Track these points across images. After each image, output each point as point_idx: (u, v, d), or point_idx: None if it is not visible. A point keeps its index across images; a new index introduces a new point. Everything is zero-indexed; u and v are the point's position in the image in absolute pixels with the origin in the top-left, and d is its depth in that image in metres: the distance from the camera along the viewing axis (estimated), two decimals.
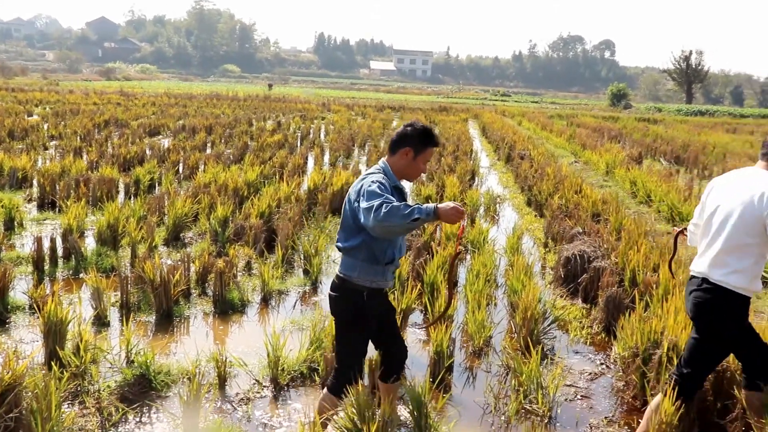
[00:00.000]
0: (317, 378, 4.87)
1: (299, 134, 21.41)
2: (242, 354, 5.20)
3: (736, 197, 3.85)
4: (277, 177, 12.03)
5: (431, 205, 3.39)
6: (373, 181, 3.61)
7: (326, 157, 16.70)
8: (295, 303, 6.66)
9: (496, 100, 69.25)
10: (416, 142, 3.78)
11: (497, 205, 11.47)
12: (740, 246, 3.80)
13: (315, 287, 7.09)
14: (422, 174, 3.95)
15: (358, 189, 3.66)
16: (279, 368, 4.84)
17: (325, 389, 3.97)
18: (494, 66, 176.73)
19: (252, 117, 26.76)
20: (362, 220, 3.52)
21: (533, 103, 67.82)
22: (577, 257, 7.23)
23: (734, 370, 4.32)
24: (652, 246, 7.32)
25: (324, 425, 3.86)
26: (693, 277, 4.01)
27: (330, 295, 3.95)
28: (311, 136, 21.30)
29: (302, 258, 7.52)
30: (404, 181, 3.91)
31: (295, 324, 6.00)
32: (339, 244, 3.85)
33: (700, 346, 3.93)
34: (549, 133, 25.75)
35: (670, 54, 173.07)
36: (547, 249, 8.84)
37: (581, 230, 8.39)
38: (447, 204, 3.42)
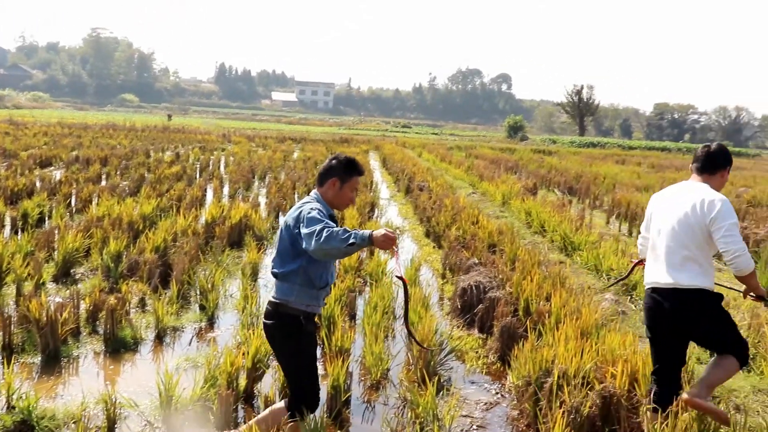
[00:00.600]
0: (211, 417, 4.76)
1: (198, 166, 21.07)
2: (134, 394, 5.04)
3: (679, 209, 4.38)
4: (174, 210, 11.79)
5: (366, 231, 3.54)
6: (312, 208, 3.81)
7: (226, 189, 16.50)
8: (191, 339, 6.52)
9: (397, 132, 70.09)
10: (341, 173, 4.03)
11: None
12: (693, 252, 4.31)
13: (211, 323, 6.96)
14: (351, 202, 4.17)
15: (296, 216, 3.85)
16: (172, 408, 4.72)
17: (283, 407, 4.07)
18: (395, 98, 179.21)
19: (150, 148, 26.21)
20: (304, 244, 3.68)
21: (433, 135, 68.98)
22: (473, 288, 7.36)
23: (620, 395, 4.48)
24: (545, 276, 7.52)
25: None
26: (657, 288, 4.41)
27: (266, 324, 4.05)
28: (210, 167, 20.99)
29: (198, 293, 7.38)
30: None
31: (189, 361, 5.87)
32: (275, 270, 3.98)
33: (669, 349, 4.39)
34: (448, 165, 26.21)
35: (563, 88, 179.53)
36: (445, 280, 8.97)
37: (477, 261, 8.55)
38: (380, 231, 3.56)
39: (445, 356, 6.10)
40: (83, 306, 6.61)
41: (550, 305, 6.43)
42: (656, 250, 4.49)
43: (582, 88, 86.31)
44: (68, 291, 7.24)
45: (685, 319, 4.33)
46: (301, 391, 4.02)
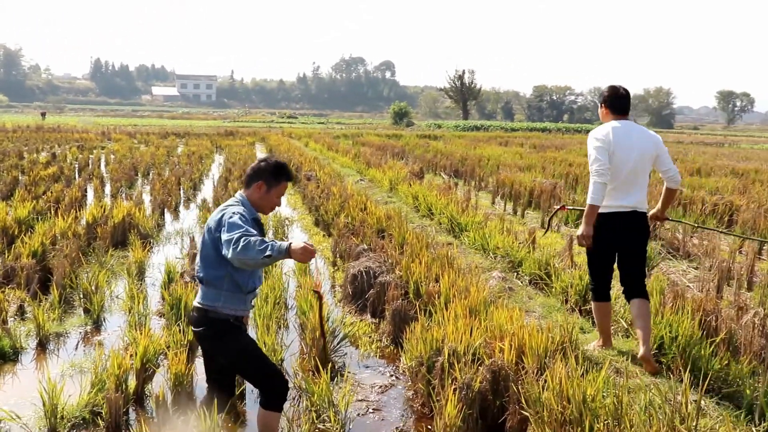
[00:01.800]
0: (101, 422, 4.62)
1: (77, 165, 20.29)
2: (15, 406, 4.82)
3: (641, 147, 5.50)
4: (52, 212, 11.31)
5: (285, 243, 3.44)
6: (234, 213, 3.69)
7: (107, 188, 15.98)
8: (77, 345, 6.29)
9: (283, 123, 69.65)
10: (269, 177, 3.91)
11: (285, 227, 11.51)
12: (646, 181, 5.67)
13: (97, 326, 6.73)
14: (277, 207, 4.08)
15: (218, 219, 3.73)
16: (57, 417, 4.54)
17: (261, 409, 3.95)
18: (280, 88, 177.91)
19: (23, 149, 25.04)
20: (223, 251, 3.55)
21: (319, 124, 68.93)
22: (364, 273, 7.42)
23: (508, 368, 4.62)
24: (434, 258, 7.65)
25: None
26: (622, 212, 5.51)
27: (195, 332, 3.92)
28: (90, 167, 20.24)
29: (82, 296, 7.12)
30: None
31: (75, 367, 5.65)
32: (200, 275, 3.84)
33: (612, 261, 5.75)
34: (335, 153, 26.24)
35: (446, 73, 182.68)
36: (336, 267, 9.00)
37: (367, 247, 8.61)
38: (299, 243, 3.47)
39: (338, 343, 6.12)
40: None
41: (439, 286, 6.54)
42: (624, 182, 5.48)
43: (464, 73, 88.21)
44: None
45: (640, 233, 5.62)
46: (266, 384, 3.95)
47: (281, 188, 4.01)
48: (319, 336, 4.09)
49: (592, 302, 5.98)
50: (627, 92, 5.70)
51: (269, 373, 3.96)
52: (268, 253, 3.40)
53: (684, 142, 50.48)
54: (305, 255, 3.50)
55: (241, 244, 3.44)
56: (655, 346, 5.75)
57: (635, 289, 5.63)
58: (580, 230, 5.53)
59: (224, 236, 3.57)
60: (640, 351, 5.36)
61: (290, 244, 3.47)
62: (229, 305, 3.85)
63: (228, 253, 3.51)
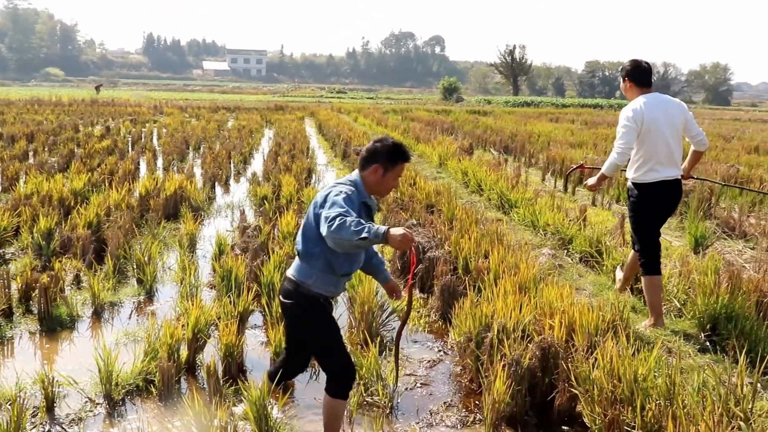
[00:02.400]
0: (154, 390, 4.71)
1: (130, 139, 20.62)
2: (73, 372, 4.94)
3: (672, 120, 5.78)
4: (106, 184, 11.53)
5: (382, 227, 3.26)
6: (340, 191, 3.55)
7: (159, 162, 16.19)
8: (130, 314, 6.41)
9: (332, 98, 69.74)
10: (385, 160, 3.72)
11: None
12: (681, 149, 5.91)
13: (150, 296, 6.85)
14: (393, 189, 3.88)
15: (325, 195, 3.59)
16: (112, 383, 4.64)
17: (327, 396, 3.88)
18: (329, 63, 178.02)
19: (78, 122, 25.51)
20: (320, 227, 3.43)
21: (368, 99, 68.84)
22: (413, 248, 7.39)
23: (558, 345, 4.58)
24: (483, 233, 7.60)
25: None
26: (670, 180, 5.80)
27: (283, 303, 3.87)
28: (143, 140, 20.56)
29: (135, 267, 7.24)
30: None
31: (129, 336, 5.78)
32: (298, 248, 3.78)
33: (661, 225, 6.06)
34: (384, 128, 26.19)
35: (497, 48, 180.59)
36: None
37: (416, 222, 8.60)
38: (398, 229, 3.27)
39: (387, 317, 6.14)
40: (14, 286, 6.43)
41: (489, 262, 6.51)
42: (666, 153, 5.75)
43: (515, 48, 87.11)
44: None
45: (679, 198, 6.05)
46: (337, 370, 3.86)
47: (398, 170, 3.80)
48: (401, 324, 4.01)
49: (642, 277, 5.97)
50: (649, 65, 5.99)
51: (342, 360, 3.87)
52: (363, 235, 3.20)
53: (741, 119, 49.15)
54: (404, 242, 3.26)
55: (337, 222, 3.27)
56: (709, 326, 5.65)
57: None
58: (590, 181, 6.39)
59: (323, 212, 3.43)
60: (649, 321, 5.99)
61: (388, 228, 3.27)
62: (320, 285, 3.75)
63: (323, 230, 3.37)
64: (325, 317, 3.85)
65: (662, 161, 5.74)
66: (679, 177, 5.86)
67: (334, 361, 3.87)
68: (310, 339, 3.91)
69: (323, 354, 3.91)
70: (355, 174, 3.81)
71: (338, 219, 3.28)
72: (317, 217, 3.58)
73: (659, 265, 5.88)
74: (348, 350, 4.03)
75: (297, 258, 3.86)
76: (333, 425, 3.89)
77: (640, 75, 5.92)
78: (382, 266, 4.22)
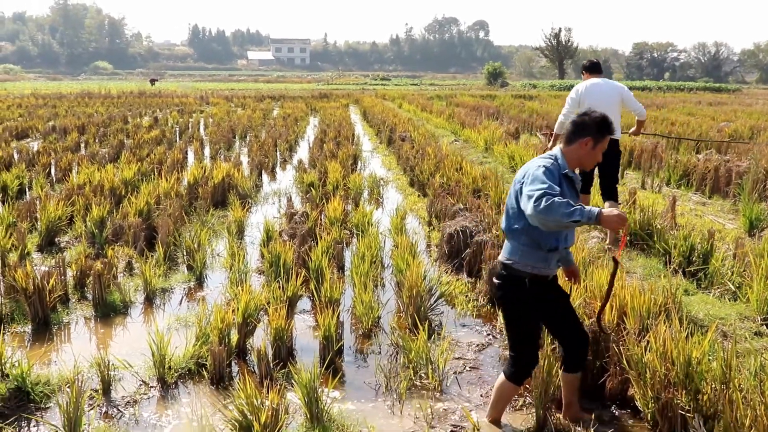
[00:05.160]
0: (205, 373, 4.79)
1: (177, 129, 20.89)
2: (127, 356, 5.04)
3: (611, 94, 7.93)
4: (155, 174, 11.70)
5: (595, 209, 3.31)
6: (539, 166, 3.62)
7: (206, 151, 16.36)
8: (181, 300, 6.51)
9: (376, 85, 69.67)
10: (595, 132, 3.79)
11: (381, 188, 11.56)
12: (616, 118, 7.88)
13: (200, 282, 6.94)
14: (598, 162, 3.95)
15: (525, 171, 3.67)
16: (165, 367, 4.73)
17: (502, 376, 4.03)
18: (372, 51, 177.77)
19: (127, 114, 25.90)
20: (522, 204, 3.50)
21: (413, 86, 68.60)
22: (460, 233, 7.38)
23: (609, 329, 4.51)
24: None
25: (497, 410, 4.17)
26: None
27: (492, 283, 3.99)
28: (190, 130, 20.81)
29: (185, 254, 7.35)
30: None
31: (180, 321, 5.87)
32: (503, 226, 3.87)
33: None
34: (429, 114, 26.09)
35: (541, 32, 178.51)
36: (431, 227, 8.98)
37: (463, 207, 8.56)
38: (611, 210, 3.33)
39: (435, 301, 6.13)
40: (70, 273, 6.58)
41: None
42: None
43: (560, 31, 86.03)
44: (54, 259, 7.19)
45: (613, 152, 7.72)
46: (516, 356, 3.96)
47: (605, 143, 3.86)
48: (601, 305, 4.04)
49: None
50: (598, 60, 8.60)
51: (528, 346, 3.95)
52: (576, 218, 3.25)
53: None
54: (619, 222, 3.33)
55: (544, 203, 3.29)
56: (766, 310, 5.53)
57: (607, 192, 8.04)
58: (549, 143, 9.10)
59: (525, 189, 3.49)
60: (607, 241, 7.91)
61: (601, 210, 3.30)
62: (527, 261, 3.76)
63: (526, 208, 3.40)
64: (525, 301, 3.85)
65: None
66: (616, 137, 7.81)
67: (517, 348, 3.97)
68: (506, 318, 3.99)
69: (511, 337, 4.01)
70: (556, 149, 3.86)
71: (545, 199, 3.31)
72: (518, 193, 3.66)
73: (589, 188, 8.24)
74: (538, 339, 4.10)
75: (505, 239, 3.92)
76: (501, 402, 4.13)
77: (591, 67, 8.36)
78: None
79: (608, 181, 8.02)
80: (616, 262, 3.78)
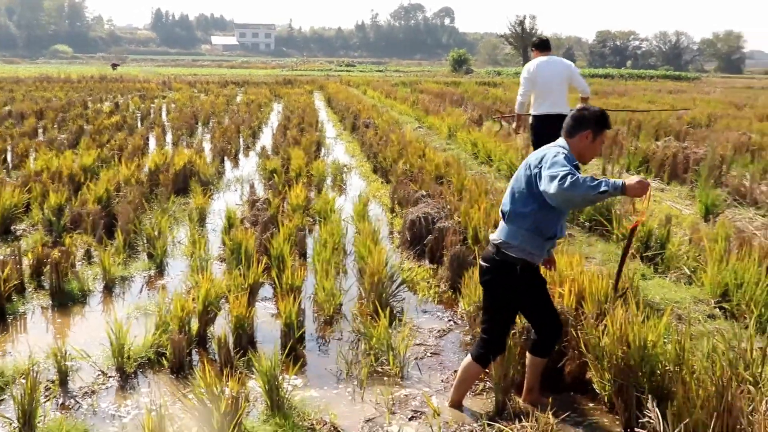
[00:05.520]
0: (165, 362, 4.75)
1: (139, 114, 20.62)
2: (85, 345, 4.97)
3: (559, 70, 8.39)
4: (116, 160, 11.54)
5: (620, 180, 3.45)
6: (558, 152, 3.70)
7: (168, 137, 16.18)
8: (141, 288, 6.45)
9: (341, 71, 69.49)
10: (594, 125, 3.88)
11: (344, 174, 11.54)
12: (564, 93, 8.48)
13: (160, 270, 6.88)
14: (597, 154, 4.07)
15: (540, 156, 3.76)
16: (124, 356, 4.67)
17: (469, 357, 4.07)
18: (338, 37, 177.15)
19: (87, 99, 25.48)
20: (542, 186, 3.58)
21: (378, 72, 68.54)
22: (422, 219, 7.40)
23: (568, 313, 4.57)
24: (492, 204, 7.57)
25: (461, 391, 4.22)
26: (553, 114, 8.06)
27: (481, 266, 3.99)
28: (152, 115, 20.57)
29: (145, 241, 7.27)
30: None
31: (140, 309, 5.81)
32: (504, 209, 3.87)
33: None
34: (393, 101, 26.09)
35: (506, 19, 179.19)
36: (394, 214, 8.99)
37: (425, 193, 8.58)
38: (632, 178, 3.49)
39: (396, 288, 6.14)
40: (26, 262, 6.46)
41: None
42: (550, 95, 8.32)
43: (525, 18, 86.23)
44: (9, 248, 7.05)
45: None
46: (489, 338, 4.00)
47: (604, 136, 3.96)
48: (615, 274, 4.14)
49: None
50: (547, 38, 8.88)
51: (504, 331, 4.05)
52: (603, 189, 3.40)
53: (754, 87, 48.57)
54: (642, 188, 3.49)
55: (569, 180, 3.42)
56: (719, 293, 5.63)
57: None
58: (514, 125, 9.61)
59: (546, 171, 3.55)
60: None
61: (624, 181, 3.46)
62: (525, 246, 3.81)
63: (550, 188, 3.48)
64: (514, 287, 3.93)
65: (548, 101, 8.31)
66: (563, 112, 7.39)
67: (492, 331, 4.01)
68: (489, 299, 4.04)
69: (489, 319, 4.04)
70: (561, 140, 3.93)
71: (570, 177, 3.42)
72: (531, 177, 3.75)
73: None
74: (510, 329, 4.19)
75: (501, 221, 3.94)
76: (466, 382, 4.15)
77: (540, 44, 8.63)
78: None
79: None
80: (634, 230, 3.90)
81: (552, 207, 3.70)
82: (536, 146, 8.03)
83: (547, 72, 8.30)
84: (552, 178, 3.50)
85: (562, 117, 7.46)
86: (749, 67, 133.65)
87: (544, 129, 8.12)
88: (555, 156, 3.66)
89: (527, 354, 4.15)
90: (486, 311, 4.10)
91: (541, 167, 3.67)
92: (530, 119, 8.65)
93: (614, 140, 13.32)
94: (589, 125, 3.89)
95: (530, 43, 8.36)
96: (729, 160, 11.43)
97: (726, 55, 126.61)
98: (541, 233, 3.83)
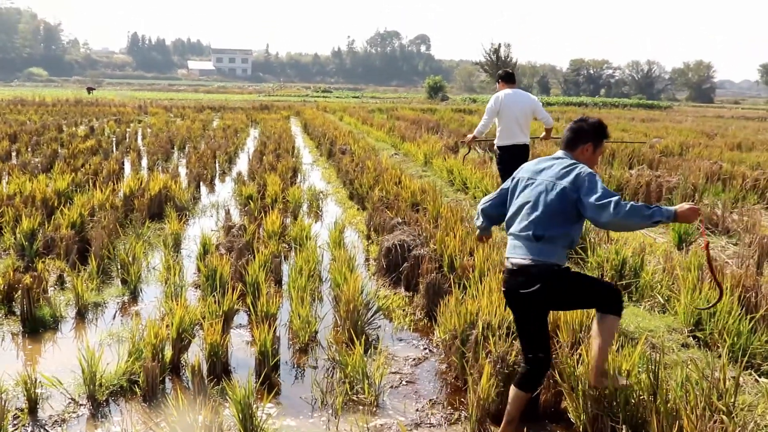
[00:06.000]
0: (138, 390, 4.69)
1: (114, 139, 20.52)
2: (56, 373, 4.90)
3: (523, 105, 8.88)
4: (90, 185, 11.46)
5: (672, 208, 3.55)
6: (588, 172, 3.74)
7: (144, 162, 16.09)
8: (114, 314, 6.38)
9: (318, 97, 69.67)
10: (593, 137, 3.95)
11: (320, 201, 11.54)
12: (527, 126, 9.03)
13: (134, 296, 6.81)
14: (595, 165, 4.07)
15: (572, 180, 3.75)
16: (96, 384, 4.61)
17: (608, 316, 3.92)
18: (314, 63, 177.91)
19: (62, 123, 25.34)
20: (588, 213, 3.62)
21: (354, 98, 68.76)
22: (398, 247, 7.40)
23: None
24: (468, 231, 7.61)
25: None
26: (512, 144, 8.93)
27: (524, 293, 3.85)
28: (127, 140, 20.45)
29: (119, 267, 7.20)
30: None
31: (113, 336, 5.74)
32: (538, 233, 3.80)
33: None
34: (370, 127, 26.18)
35: (482, 47, 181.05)
36: (370, 241, 9.00)
37: (401, 220, 8.60)
38: (683, 205, 3.55)
39: (372, 315, 6.12)
40: None
41: (474, 260, 6.52)
42: (513, 128, 8.87)
43: (500, 46, 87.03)
44: None
45: (523, 157, 8.75)
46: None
47: (603, 148, 4.03)
48: (716, 287, 4.22)
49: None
50: (512, 71, 9.48)
51: (605, 284, 4.09)
52: (657, 218, 3.49)
53: (724, 116, 49.39)
54: (694, 214, 3.55)
55: (624, 210, 3.47)
56: (692, 322, 5.68)
57: None
58: (468, 137, 9.83)
59: (597, 201, 3.59)
60: None
61: (676, 209, 3.54)
62: (559, 260, 3.85)
63: (602, 216, 3.54)
64: (571, 275, 3.97)
65: (513, 132, 8.86)
66: (525, 143, 8.96)
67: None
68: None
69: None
70: (562, 153, 3.99)
71: (622, 205, 3.50)
72: (569, 201, 3.74)
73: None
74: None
75: (527, 242, 3.87)
76: (609, 341, 3.95)
77: (506, 77, 9.11)
78: None
79: None
80: (707, 248, 3.90)
81: (580, 224, 3.84)
82: (503, 174, 9.05)
83: (513, 104, 8.80)
84: (602, 207, 3.55)
85: (525, 147, 8.93)
86: (719, 96, 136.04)
87: (510, 158, 8.74)
88: (590, 176, 3.71)
89: (513, 388, 4.02)
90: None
91: (579, 191, 3.69)
92: (496, 149, 9.25)
93: None
94: (590, 137, 3.96)
95: (498, 77, 8.57)
96: (701, 189, 11.59)
97: (697, 85, 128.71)
98: (571, 245, 3.92)
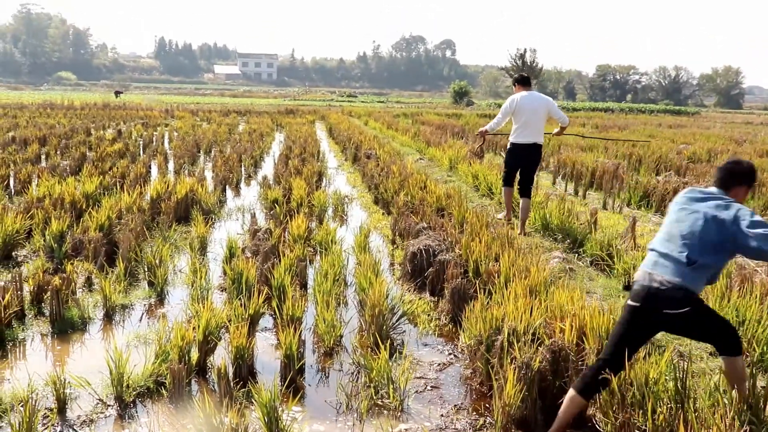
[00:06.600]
0: (164, 392, 4.73)
1: (141, 142, 20.71)
2: (84, 373, 4.95)
3: (538, 105, 9.38)
4: (118, 187, 11.57)
5: None
6: (751, 210, 3.85)
7: (170, 165, 16.22)
8: (141, 316, 6.43)
9: (343, 101, 69.88)
10: (749, 180, 4.13)
11: (345, 205, 11.56)
12: (542, 126, 9.55)
13: (161, 299, 6.87)
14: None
15: (734, 214, 3.83)
16: (123, 385, 4.66)
17: (729, 358, 4.01)
18: (340, 67, 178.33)
19: (90, 126, 25.61)
20: (754, 243, 3.67)
21: (379, 103, 68.87)
22: (423, 252, 7.40)
23: (569, 349, 4.56)
24: (494, 237, 7.59)
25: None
26: (525, 143, 9.47)
27: (670, 314, 3.89)
28: (154, 143, 20.64)
29: (146, 270, 7.26)
30: None
31: (140, 338, 5.79)
32: (692, 257, 3.87)
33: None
34: (395, 132, 26.20)
35: (507, 52, 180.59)
36: (395, 245, 9.00)
37: (426, 225, 8.59)
38: None
39: (397, 320, 6.13)
40: (27, 288, 6.45)
41: (499, 265, 6.50)
42: (528, 127, 9.36)
43: (525, 51, 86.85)
44: (10, 274, 7.05)
45: (534, 156, 9.62)
46: (729, 334, 3.99)
47: (752, 189, 4.21)
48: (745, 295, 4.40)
49: (502, 188, 10.22)
50: (528, 75, 9.93)
51: (728, 323, 4.06)
52: None
53: (753, 123, 48.83)
54: None
55: None
56: None
57: (524, 191, 9.45)
58: (481, 130, 10.44)
59: (759, 230, 3.66)
60: (518, 230, 9.35)
61: None
62: (701, 290, 3.93)
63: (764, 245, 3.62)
64: (705, 306, 4.02)
65: (528, 132, 9.37)
66: (538, 143, 9.45)
67: (723, 327, 3.98)
68: (702, 330, 4.03)
69: (719, 330, 3.98)
70: (716, 190, 4.10)
71: None
72: (728, 232, 3.81)
73: (513, 182, 9.83)
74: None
75: (677, 265, 3.92)
76: (744, 380, 3.96)
77: (522, 80, 9.69)
78: None
79: (526, 181, 9.51)
80: None
81: (729, 257, 3.92)
82: (507, 164, 9.80)
83: (529, 105, 9.29)
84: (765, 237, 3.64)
85: (538, 146, 9.53)
86: (748, 102, 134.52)
87: (521, 153, 9.51)
88: (751, 214, 3.79)
89: (574, 393, 4.04)
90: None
91: (740, 224, 3.76)
92: (509, 144, 9.76)
93: (614, 174, 13.37)
94: (744, 180, 4.11)
95: (531, 75, 8.95)
96: None
97: (725, 90, 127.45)
98: (711, 282, 4.03)
